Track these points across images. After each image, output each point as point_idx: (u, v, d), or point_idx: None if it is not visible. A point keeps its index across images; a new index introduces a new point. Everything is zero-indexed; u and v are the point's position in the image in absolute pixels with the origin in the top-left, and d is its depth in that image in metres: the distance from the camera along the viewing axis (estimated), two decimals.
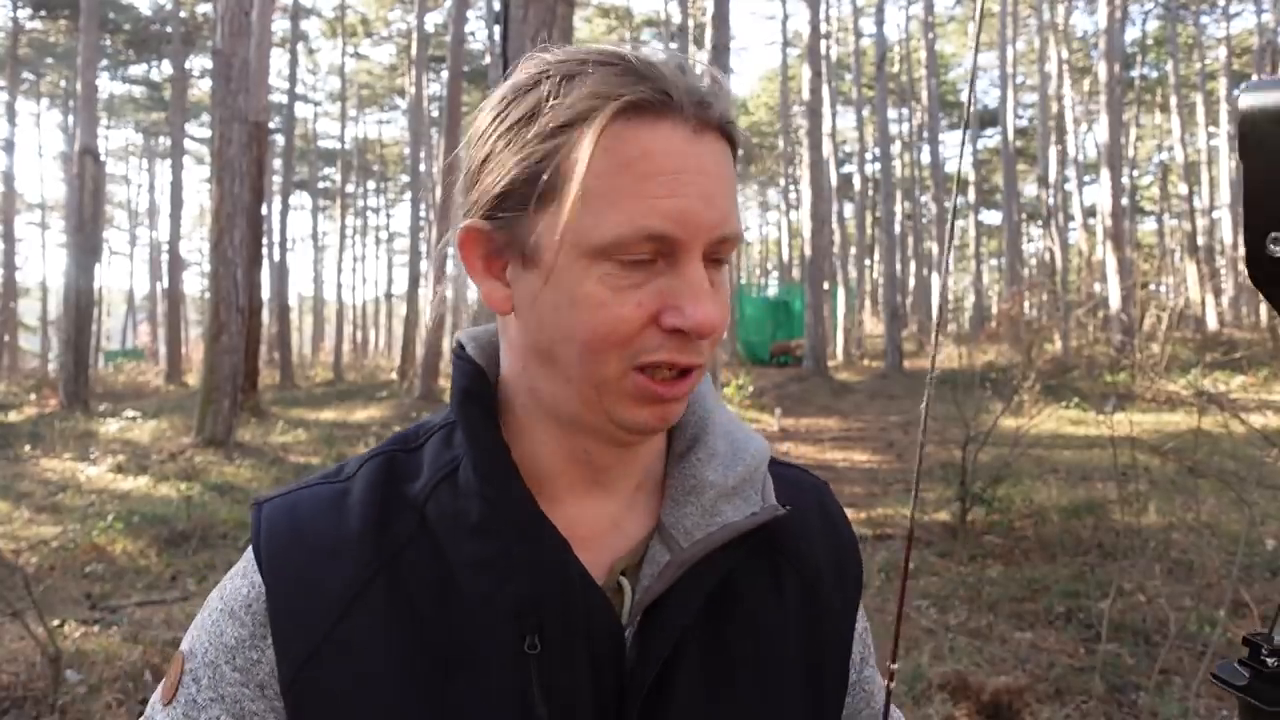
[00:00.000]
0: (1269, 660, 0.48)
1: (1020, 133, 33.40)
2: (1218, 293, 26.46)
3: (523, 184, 0.58)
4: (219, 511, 7.16)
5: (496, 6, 4.88)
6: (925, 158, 32.86)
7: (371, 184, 44.26)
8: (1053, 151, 27.11)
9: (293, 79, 27.68)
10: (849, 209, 33.25)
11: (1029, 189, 36.93)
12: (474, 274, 0.63)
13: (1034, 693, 3.56)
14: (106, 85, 33.61)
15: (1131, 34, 30.06)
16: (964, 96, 35.36)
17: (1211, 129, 29.56)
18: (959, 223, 44.62)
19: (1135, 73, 31.91)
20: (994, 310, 29.98)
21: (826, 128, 22.78)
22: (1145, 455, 5.55)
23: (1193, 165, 30.11)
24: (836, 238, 27.83)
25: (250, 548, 0.63)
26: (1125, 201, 22.39)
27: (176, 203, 25.82)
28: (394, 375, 21.28)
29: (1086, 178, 28.54)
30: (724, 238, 0.58)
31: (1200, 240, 27.94)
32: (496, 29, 4.73)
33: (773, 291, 31.03)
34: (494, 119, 0.61)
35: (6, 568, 5.10)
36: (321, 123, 40.48)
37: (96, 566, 5.66)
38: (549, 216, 0.57)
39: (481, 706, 0.58)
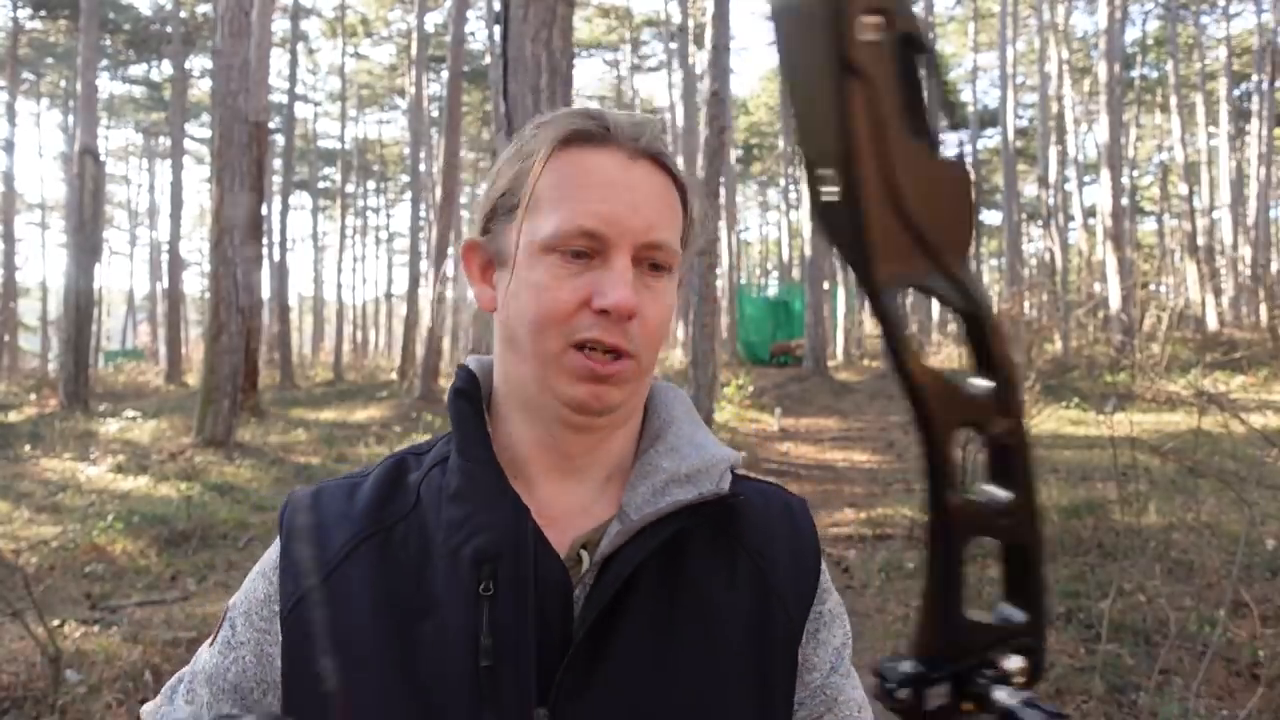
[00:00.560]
0: (898, 693, 0.42)
1: (1020, 133, 33.38)
2: (1218, 293, 26.45)
3: (503, 201, 0.74)
4: (219, 512, 7.16)
5: (496, 6, 4.88)
6: None
7: (371, 184, 44.25)
8: (1053, 151, 27.10)
9: (293, 79, 27.68)
10: None
11: (1029, 189, 36.92)
12: (471, 280, 0.78)
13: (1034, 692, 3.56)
14: (106, 85, 33.65)
15: (1131, 34, 30.10)
16: (965, 96, 35.41)
17: (1211, 129, 29.55)
18: None
19: (1135, 73, 31.91)
20: (994, 310, 29.96)
21: None
22: (1145, 455, 5.54)
23: (1193, 165, 30.10)
24: None
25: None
26: (1125, 201, 22.38)
27: (176, 203, 25.81)
28: (394, 375, 21.27)
29: (1086, 178, 28.54)
30: (652, 243, 0.71)
31: (1200, 240, 27.91)
32: (496, 29, 4.72)
33: (773, 291, 31.04)
34: (500, 159, 0.78)
35: (6, 568, 5.10)
36: (321, 123, 40.51)
37: (96, 566, 5.66)
38: (516, 224, 0.73)
39: (441, 639, 0.69)
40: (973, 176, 0.39)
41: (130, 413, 12.41)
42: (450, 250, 16.28)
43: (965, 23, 33.17)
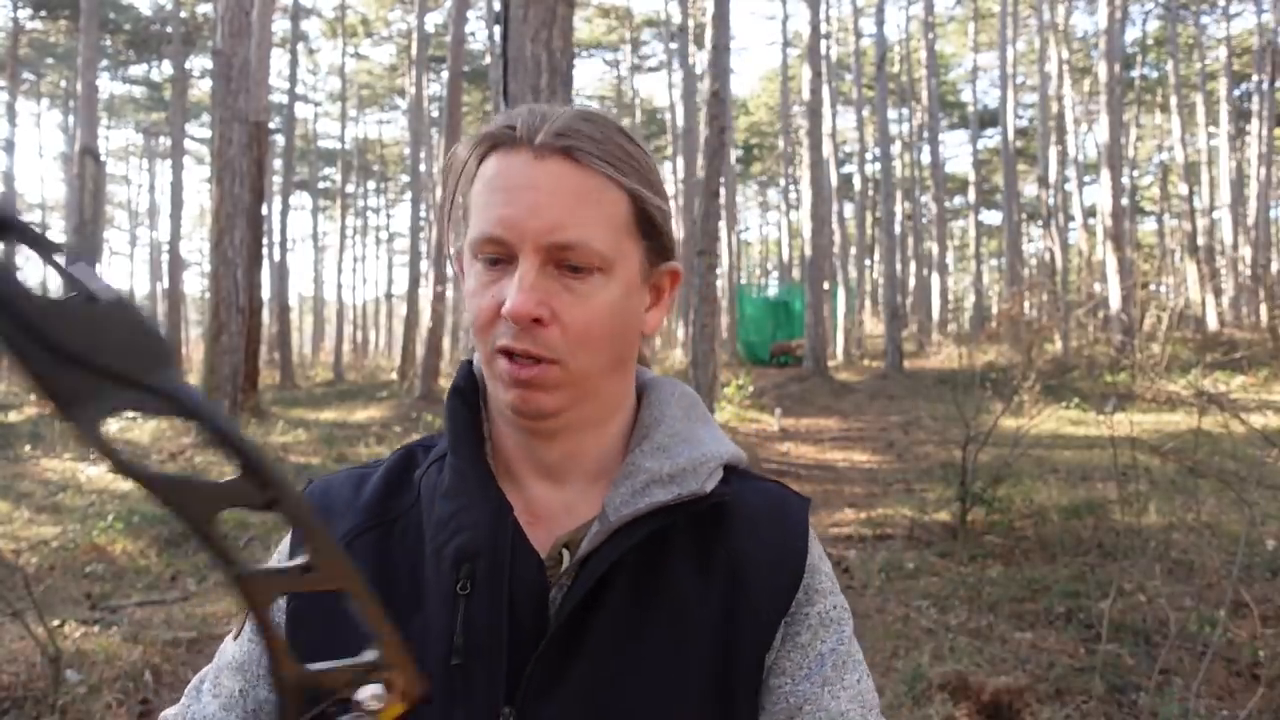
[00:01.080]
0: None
1: (1020, 133, 33.37)
2: (1218, 293, 26.45)
3: (451, 210, 0.77)
4: None
5: (496, 7, 4.88)
6: (925, 158, 32.85)
7: (371, 184, 44.26)
8: (1053, 151, 27.09)
9: (293, 79, 27.67)
10: (849, 209, 33.22)
11: (1029, 189, 36.91)
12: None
13: (1034, 693, 3.56)
14: (107, 85, 33.64)
15: (1132, 34, 30.09)
16: (965, 96, 35.41)
17: (1211, 129, 29.54)
18: (959, 223, 44.69)
19: (1135, 73, 31.90)
20: (994, 310, 29.99)
21: (827, 128, 22.76)
22: (1145, 455, 5.54)
23: (1193, 165, 30.09)
24: (836, 238, 27.81)
25: None
26: (1125, 201, 22.37)
27: (177, 203, 25.79)
28: (394, 375, 21.27)
29: (1087, 178, 28.53)
30: (559, 244, 0.68)
31: (1200, 240, 27.92)
32: (496, 29, 4.73)
33: (773, 291, 31.01)
34: None
35: (6, 568, 5.10)
36: (321, 123, 40.51)
37: (96, 566, 5.66)
38: (458, 234, 0.76)
39: (423, 637, 0.69)
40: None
41: (130, 413, 12.41)
42: (450, 250, 16.27)
43: (965, 23, 33.15)
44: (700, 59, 25.28)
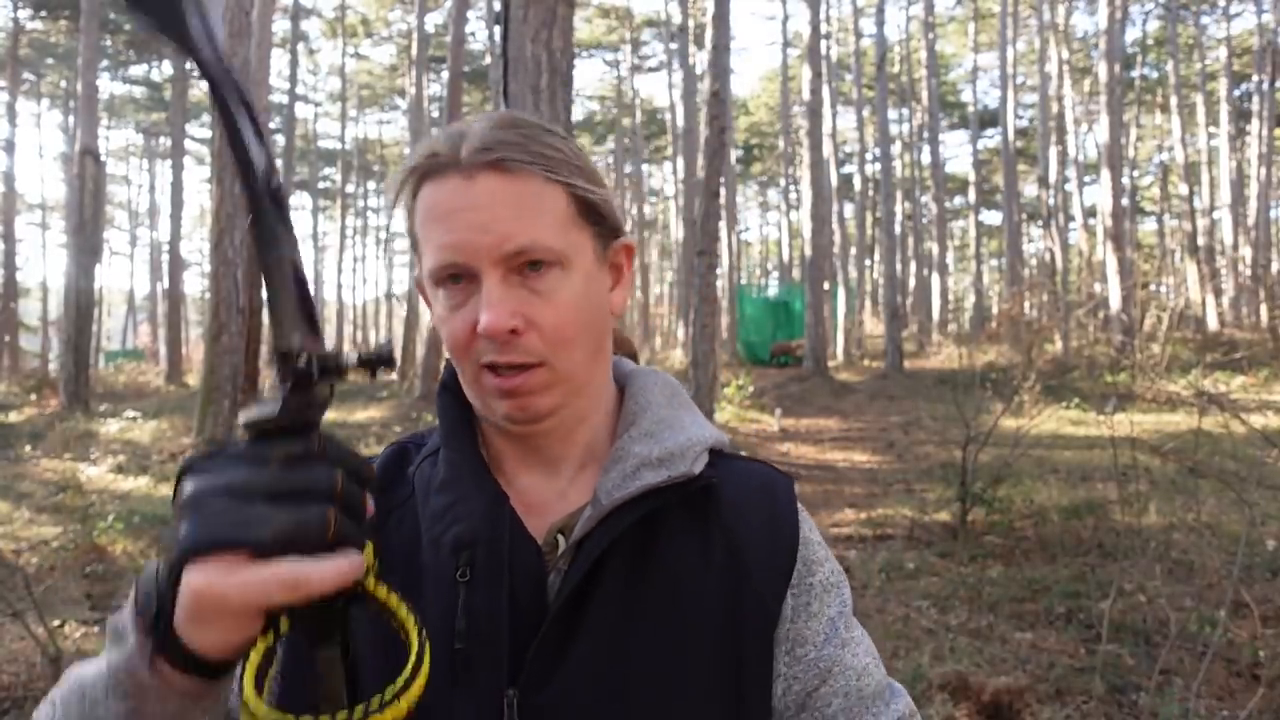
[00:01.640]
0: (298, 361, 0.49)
1: (1020, 133, 33.37)
2: (1218, 293, 26.44)
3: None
4: None
5: (497, 7, 4.88)
6: (925, 158, 32.84)
7: (371, 184, 44.23)
8: (1053, 152, 27.09)
9: (293, 79, 27.68)
10: (849, 209, 33.22)
11: (1029, 189, 36.90)
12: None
13: (1034, 693, 3.56)
14: (107, 86, 33.63)
15: (1132, 34, 30.09)
16: (965, 96, 35.41)
17: (1212, 129, 29.54)
18: (959, 223, 44.66)
19: (1135, 73, 31.90)
20: (994, 310, 29.97)
21: (827, 128, 22.77)
22: (1145, 456, 5.54)
23: (1193, 165, 30.09)
24: (837, 238, 27.81)
25: None
26: (1125, 202, 22.38)
27: (177, 203, 25.80)
28: (394, 376, 21.27)
29: (1087, 178, 28.52)
30: (513, 251, 0.70)
31: (1200, 240, 27.91)
32: (497, 29, 4.73)
33: (773, 292, 31.00)
34: None
35: (7, 568, 5.11)
36: (321, 123, 40.51)
37: (97, 567, 5.66)
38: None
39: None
40: None
41: (130, 413, 12.42)
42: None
43: (965, 23, 33.16)
44: (700, 59, 25.29)
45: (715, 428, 0.82)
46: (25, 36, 29.13)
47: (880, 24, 21.14)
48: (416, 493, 0.77)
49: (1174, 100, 28.30)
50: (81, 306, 13.74)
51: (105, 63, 30.69)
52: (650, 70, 37.66)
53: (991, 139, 36.51)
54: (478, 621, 0.69)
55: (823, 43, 19.97)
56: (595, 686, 0.70)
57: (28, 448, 10.18)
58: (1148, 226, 38.84)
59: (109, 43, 29.73)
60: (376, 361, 0.52)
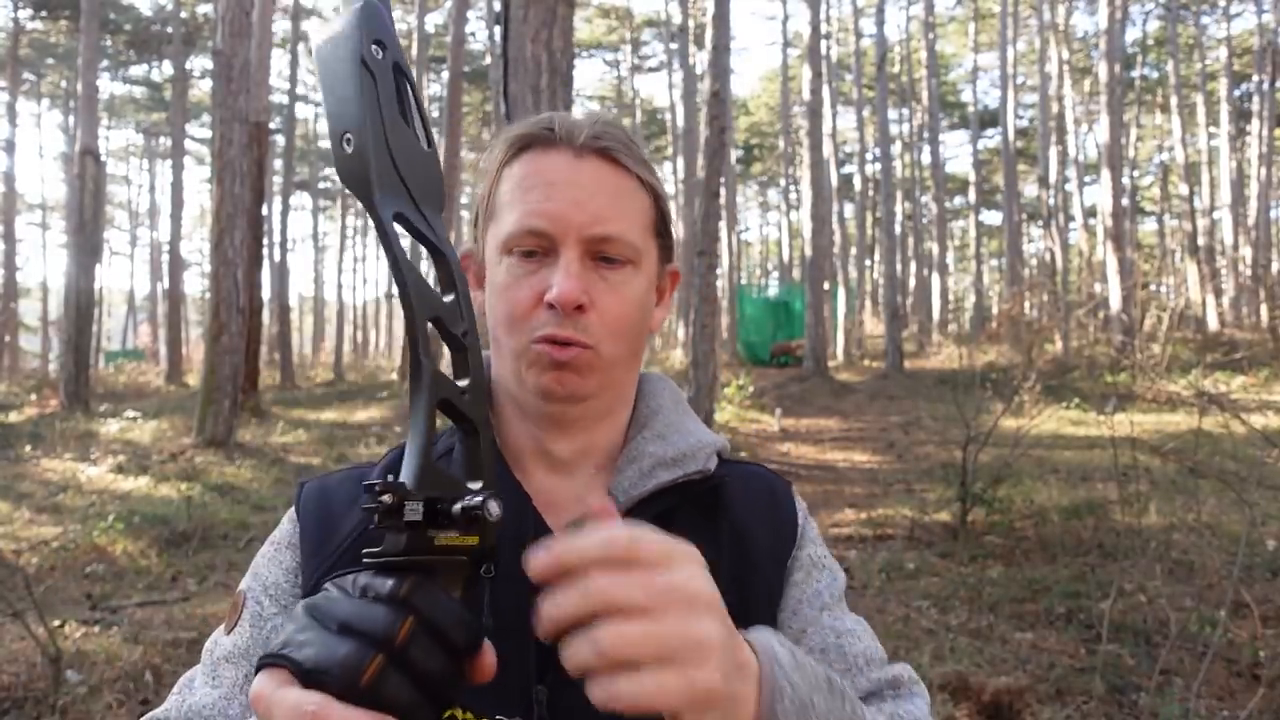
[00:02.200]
0: (381, 495, 0.49)
1: (1021, 133, 33.36)
2: (1218, 293, 26.44)
3: (479, 210, 0.80)
4: (219, 512, 7.16)
5: (497, 7, 4.88)
6: (925, 158, 32.84)
7: None
8: (1053, 152, 27.09)
9: (293, 79, 27.67)
10: (849, 209, 33.22)
11: (1029, 189, 36.91)
12: (471, 287, 0.81)
13: (1034, 693, 3.56)
14: (107, 86, 33.65)
15: (1132, 34, 30.09)
16: (965, 96, 35.41)
17: (1212, 129, 29.53)
18: (959, 223, 44.65)
19: (1135, 73, 31.89)
20: (994, 310, 29.96)
21: (827, 128, 22.76)
22: (1146, 456, 5.54)
23: (1193, 165, 30.09)
24: (837, 238, 27.81)
25: (293, 508, 0.83)
26: (1125, 202, 22.38)
27: (177, 203, 25.80)
28: (394, 375, 21.27)
29: (1087, 178, 28.53)
30: (600, 236, 0.73)
31: (1201, 240, 27.90)
32: (497, 29, 4.73)
33: (773, 292, 30.98)
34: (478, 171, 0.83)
35: (7, 568, 5.11)
36: (322, 123, 40.44)
37: (97, 567, 5.66)
38: (484, 231, 0.79)
39: None
40: (441, 161, 0.55)
41: (131, 413, 12.42)
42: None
43: (965, 23, 33.15)
44: (700, 59, 25.29)
45: (714, 433, 0.85)
46: (25, 36, 29.13)
47: (880, 24, 21.14)
48: None
49: (1174, 100, 28.29)
50: (82, 306, 13.74)
51: (105, 63, 30.70)
52: (650, 70, 37.68)
53: (991, 139, 36.52)
54: (504, 618, 0.70)
55: (823, 43, 19.96)
56: None
57: (28, 448, 10.17)
58: (1148, 226, 38.84)
59: (109, 43, 29.75)
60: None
